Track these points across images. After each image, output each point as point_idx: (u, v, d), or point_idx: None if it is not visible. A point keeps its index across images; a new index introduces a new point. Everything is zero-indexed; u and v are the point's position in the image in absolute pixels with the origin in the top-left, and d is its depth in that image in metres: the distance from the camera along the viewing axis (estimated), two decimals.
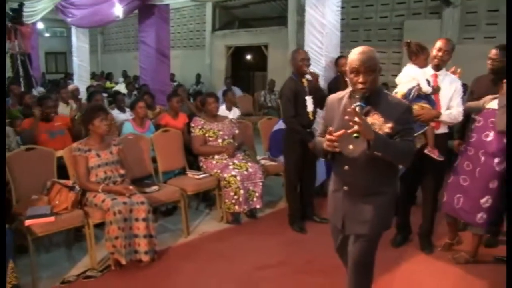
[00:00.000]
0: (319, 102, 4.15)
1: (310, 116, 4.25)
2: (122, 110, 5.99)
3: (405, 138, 2.19)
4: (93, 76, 13.18)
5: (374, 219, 2.34)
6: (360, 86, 2.20)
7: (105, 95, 8.40)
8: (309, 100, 4.23)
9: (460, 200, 3.50)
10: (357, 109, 2.06)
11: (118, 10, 8.20)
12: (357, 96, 2.17)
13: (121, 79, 12.90)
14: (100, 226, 3.56)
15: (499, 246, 3.89)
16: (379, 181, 2.32)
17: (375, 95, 2.24)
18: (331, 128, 2.20)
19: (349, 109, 2.10)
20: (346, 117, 2.11)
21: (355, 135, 2.04)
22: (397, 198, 2.45)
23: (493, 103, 3.43)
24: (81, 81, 10.46)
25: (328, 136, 2.19)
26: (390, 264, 3.54)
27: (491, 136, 3.33)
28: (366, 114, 2.19)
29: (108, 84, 12.49)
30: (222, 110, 5.79)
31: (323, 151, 2.33)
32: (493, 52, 3.82)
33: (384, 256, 3.50)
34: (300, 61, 4.21)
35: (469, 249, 3.63)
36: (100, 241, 3.64)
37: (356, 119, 2.01)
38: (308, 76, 4.30)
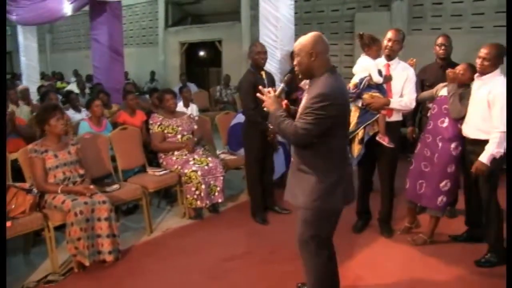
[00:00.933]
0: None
1: None
2: (77, 109, 5.86)
3: (301, 120, 2.35)
4: (43, 76, 12.75)
5: (297, 194, 2.52)
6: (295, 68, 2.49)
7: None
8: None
9: (422, 186, 3.70)
10: (279, 88, 2.54)
11: (67, 7, 7.97)
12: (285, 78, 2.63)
13: (72, 79, 12.53)
14: (59, 228, 3.49)
15: (458, 216, 4.14)
16: (302, 160, 2.50)
17: (312, 78, 2.46)
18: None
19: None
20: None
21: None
22: (339, 185, 2.46)
23: (444, 90, 3.64)
24: (30, 81, 10.11)
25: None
26: (353, 249, 3.68)
27: (446, 122, 3.54)
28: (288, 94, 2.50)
29: (59, 84, 12.11)
30: (180, 107, 5.77)
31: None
32: (442, 38, 4.09)
33: (347, 241, 3.65)
34: (257, 54, 4.27)
35: (426, 231, 3.82)
36: (60, 244, 3.57)
37: (267, 94, 2.49)
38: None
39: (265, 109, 2.51)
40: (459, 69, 3.59)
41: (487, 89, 3.26)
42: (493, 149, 3.21)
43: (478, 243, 3.66)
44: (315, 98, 2.31)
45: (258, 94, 2.55)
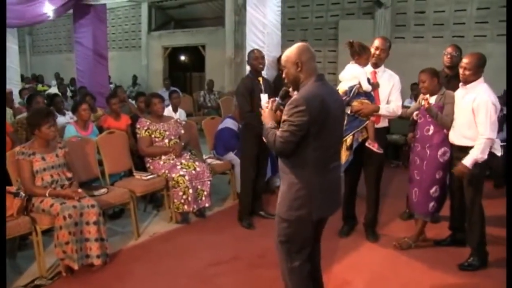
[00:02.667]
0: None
1: None
2: (61, 113, 5.80)
3: (280, 129, 2.36)
4: (23, 78, 12.54)
5: (279, 201, 2.50)
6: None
7: None
8: (264, 97, 4.36)
9: (416, 194, 3.78)
10: (274, 102, 2.57)
11: (48, 10, 7.89)
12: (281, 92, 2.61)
13: (53, 82, 12.36)
14: (46, 232, 3.45)
15: (441, 221, 4.21)
16: (283, 169, 2.48)
17: (299, 89, 2.46)
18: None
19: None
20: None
21: None
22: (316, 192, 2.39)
23: (431, 99, 3.73)
24: (11, 84, 9.84)
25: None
26: (339, 254, 3.73)
27: (431, 130, 3.64)
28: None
29: (40, 87, 11.93)
30: (169, 111, 5.78)
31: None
32: (451, 48, 4.20)
33: (333, 246, 3.70)
34: (255, 60, 4.36)
35: (411, 235, 3.90)
36: (47, 248, 3.53)
37: (264, 109, 2.58)
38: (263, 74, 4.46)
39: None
40: (420, 79, 3.71)
41: (472, 97, 3.35)
42: (477, 154, 3.31)
43: (461, 247, 3.76)
44: (290, 105, 2.30)
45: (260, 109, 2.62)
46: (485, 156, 3.32)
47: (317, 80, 2.41)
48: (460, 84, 3.52)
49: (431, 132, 3.64)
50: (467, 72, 3.36)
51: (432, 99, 3.69)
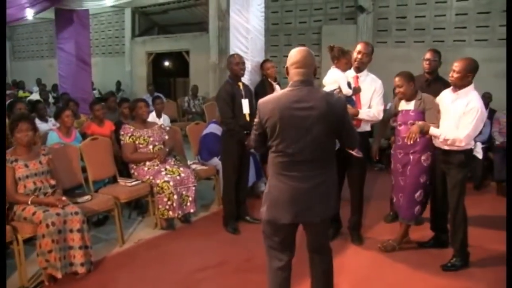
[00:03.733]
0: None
1: (247, 117, 4.39)
2: (43, 119, 5.74)
3: None
4: None
5: None
6: None
7: None
8: (245, 102, 4.38)
9: (400, 199, 3.83)
10: None
11: (27, 11, 7.80)
12: None
13: (35, 88, 12.20)
14: (28, 241, 3.40)
15: (424, 223, 4.25)
16: None
17: None
18: None
19: None
20: None
21: None
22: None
23: (402, 104, 3.77)
24: None
25: None
26: None
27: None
28: None
29: (21, 93, 11.77)
30: (153, 117, 5.76)
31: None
32: (429, 53, 4.26)
33: None
34: (236, 65, 4.37)
35: (395, 238, 3.95)
36: (29, 257, 3.47)
37: None
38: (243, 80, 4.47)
39: None
40: (396, 84, 3.73)
41: (464, 102, 3.39)
42: (440, 135, 3.41)
43: (444, 248, 3.82)
44: None
45: None
46: (440, 140, 3.44)
47: (291, 85, 2.43)
48: (451, 87, 3.55)
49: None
50: (455, 75, 3.41)
51: (411, 105, 3.72)
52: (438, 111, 3.60)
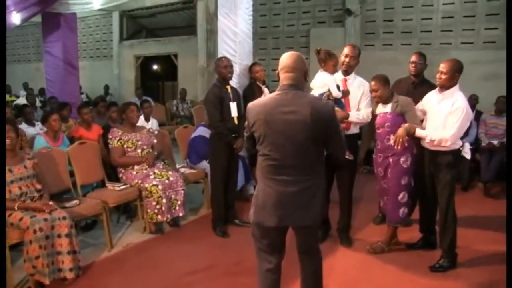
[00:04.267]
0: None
1: (235, 121, 4.40)
2: (30, 123, 5.69)
3: None
4: None
5: None
6: None
7: None
8: (233, 106, 4.39)
9: (386, 202, 3.85)
10: None
11: (14, 17, 7.73)
12: None
13: (22, 92, 12.07)
14: (14, 247, 3.37)
15: (412, 225, 4.27)
16: None
17: None
18: None
19: None
20: None
21: None
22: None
23: (379, 107, 3.80)
24: None
25: None
26: None
27: (391, 139, 3.64)
28: None
29: (7, 97, 11.64)
30: (141, 121, 5.75)
31: None
32: (414, 56, 4.28)
33: None
34: (224, 68, 4.37)
35: (384, 239, 3.96)
36: (15, 263, 3.44)
37: None
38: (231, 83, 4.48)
39: None
40: (372, 88, 3.76)
41: (450, 102, 3.43)
42: (426, 137, 3.47)
43: (432, 249, 3.85)
44: None
45: None
46: (427, 140, 3.49)
47: (279, 89, 2.47)
48: (437, 88, 3.58)
49: (392, 141, 3.64)
50: (443, 76, 3.45)
51: (388, 107, 3.74)
52: (425, 112, 3.65)
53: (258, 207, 2.52)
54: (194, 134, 5.36)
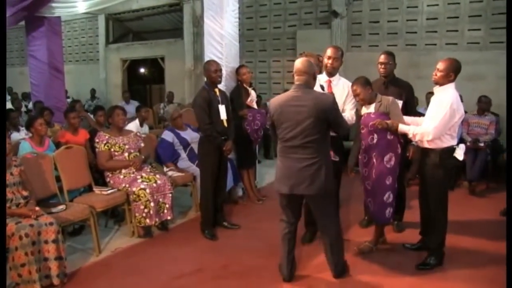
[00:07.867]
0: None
1: (224, 123, 4.40)
2: (16, 128, 5.63)
3: None
4: None
5: None
6: None
7: None
8: (222, 108, 4.40)
9: (371, 204, 3.83)
10: None
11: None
12: None
13: (7, 97, 11.93)
14: None
15: (405, 229, 4.33)
16: None
17: None
18: None
19: None
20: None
21: None
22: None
23: (364, 109, 3.83)
24: None
25: None
26: (302, 260, 3.78)
27: (375, 138, 3.68)
28: None
29: None
30: (136, 126, 5.74)
31: None
32: (383, 57, 4.26)
33: (296, 252, 3.73)
34: (214, 72, 4.39)
35: (372, 239, 3.99)
36: None
37: None
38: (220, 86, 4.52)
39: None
40: (354, 92, 3.76)
41: (439, 98, 3.48)
42: (411, 132, 3.52)
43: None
44: None
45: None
46: (410, 135, 3.57)
47: (292, 88, 3.25)
48: (434, 87, 3.61)
49: (375, 140, 3.67)
50: (438, 73, 3.49)
51: (371, 108, 3.75)
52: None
53: (276, 179, 3.33)
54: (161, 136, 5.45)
